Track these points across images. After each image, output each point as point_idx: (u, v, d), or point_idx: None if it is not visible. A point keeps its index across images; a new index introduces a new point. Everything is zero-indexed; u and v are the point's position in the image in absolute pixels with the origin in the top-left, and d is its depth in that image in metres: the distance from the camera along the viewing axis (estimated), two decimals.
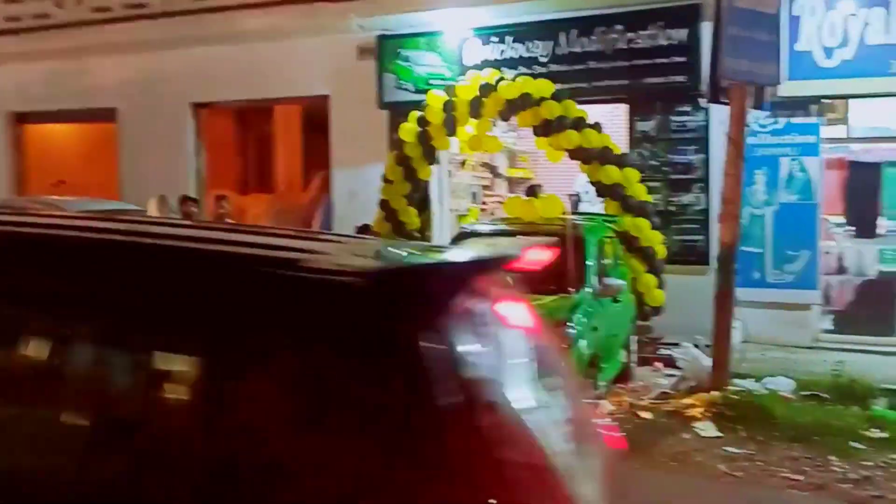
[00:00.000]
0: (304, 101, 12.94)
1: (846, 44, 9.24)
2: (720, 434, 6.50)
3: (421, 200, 11.32)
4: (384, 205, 11.00)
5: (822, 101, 9.50)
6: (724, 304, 7.20)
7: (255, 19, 11.70)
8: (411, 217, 11.04)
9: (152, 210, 6.36)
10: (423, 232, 11.38)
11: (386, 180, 10.97)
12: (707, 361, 7.51)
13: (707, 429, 6.57)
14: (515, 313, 2.18)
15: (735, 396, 7.03)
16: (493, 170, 14.37)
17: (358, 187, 12.07)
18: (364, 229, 10.92)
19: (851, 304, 10.09)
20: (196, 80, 13.10)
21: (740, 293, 9.95)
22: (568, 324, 6.06)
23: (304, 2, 11.49)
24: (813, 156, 9.62)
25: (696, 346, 8.39)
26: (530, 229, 7.53)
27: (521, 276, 2.24)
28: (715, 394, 6.94)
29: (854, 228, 10.09)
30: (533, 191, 8.45)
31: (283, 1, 11.53)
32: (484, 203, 13.58)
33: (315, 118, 13.04)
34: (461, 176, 12.50)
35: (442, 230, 11.90)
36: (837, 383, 7.63)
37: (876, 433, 6.54)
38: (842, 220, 10.22)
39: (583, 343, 6.11)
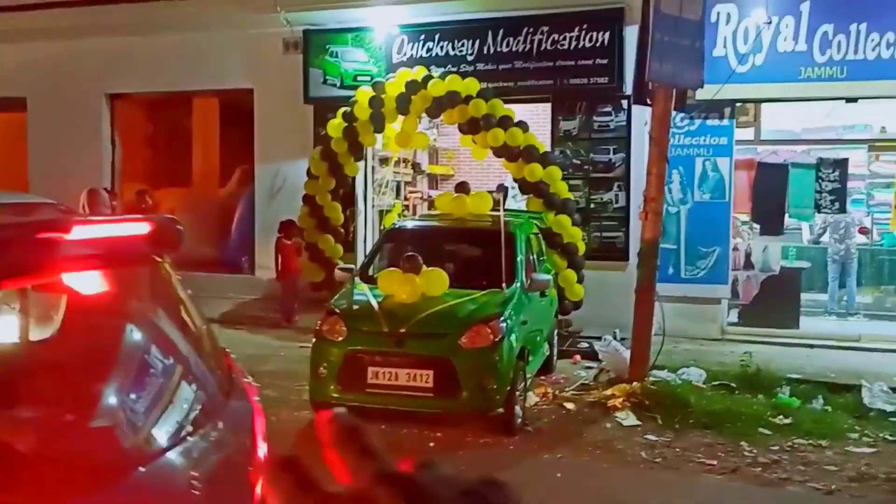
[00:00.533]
0: (227, 93, 12.75)
1: (759, 50, 9.74)
2: (639, 423, 6.78)
3: (346, 196, 11.36)
4: (309, 200, 10.99)
5: (736, 104, 9.97)
6: (644, 298, 7.50)
7: (178, 9, 11.45)
8: (336, 212, 11.06)
9: (83, 202, 6.18)
10: (348, 227, 11.43)
11: (311, 175, 10.95)
12: (626, 354, 7.81)
13: (627, 418, 6.85)
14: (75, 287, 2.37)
15: (653, 387, 7.34)
16: (415, 166, 14.51)
17: (281, 182, 12.01)
18: (288, 225, 10.88)
19: (757, 298, 10.62)
20: (112, 70, 12.75)
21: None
22: (500, 318, 6.23)
23: None
24: (725, 156, 10.11)
25: (616, 338, 8.73)
26: (460, 225, 7.71)
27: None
28: (635, 384, 7.24)
29: (760, 226, 10.61)
30: (463, 187, 8.58)
31: None
32: (406, 199, 13.69)
33: (236, 112, 12.88)
34: (384, 172, 12.57)
35: (366, 226, 11.97)
36: (745, 373, 8.05)
37: (781, 420, 6.95)
38: (749, 217, 10.74)
39: (514, 337, 6.30)
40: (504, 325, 6.20)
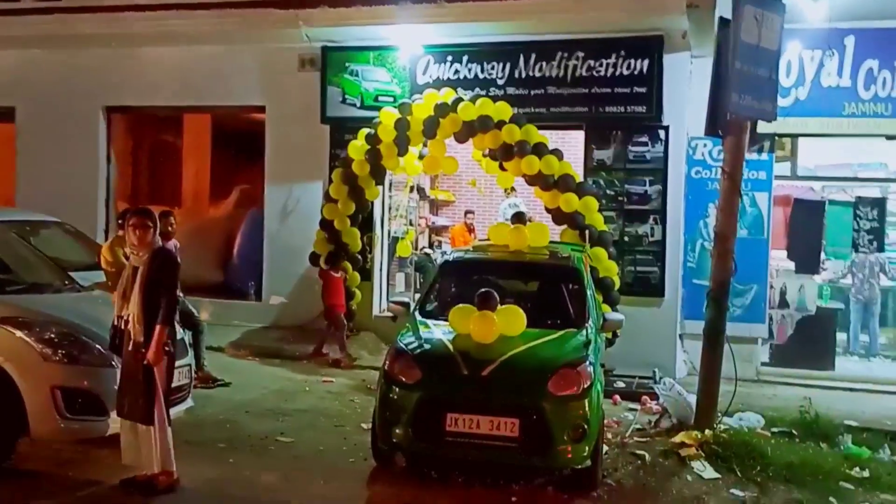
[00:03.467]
0: (237, 110, 12.11)
1: (801, 84, 9.52)
2: (718, 475, 6.31)
3: (364, 221, 10.78)
4: (326, 225, 10.40)
5: (775, 137, 9.70)
6: (714, 340, 7.08)
7: (195, 20, 10.79)
8: (354, 239, 10.49)
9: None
10: (366, 255, 10.84)
11: (329, 199, 10.38)
12: (690, 398, 7.37)
13: (705, 469, 6.38)
14: None
15: (724, 435, 6.90)
16: (420, 191, 14.02)
17: (294, 204, 11.39)
18: (334, 255, 10.12)
19: (791, 338, 10.30)
20: (111, 82, 12.07)
21: (687, 325, 10.02)
22: (587, 361, 5.71)
23: (246, 6, 10.73)
24: (764, 191, 9.82)
25: (656, 379, 8.27)
26: (521, 258, 7.20)
27: None
28: (707, 433, 6.78)
29: (796, 264, 10.29)
30: (521, 218, 8.08)
31: (222, 4, 10.71)
32: (412, 224, 13.16)
33: (245, 129, 12.25)
34: (398, 197, 12.03)
35: (382, 253, 11.39)
36: (804, 420, 7.67)
37: (858, 472, 6.55)
38: (784, 255, 10.42)
39: (599, 382, 5.79)
40: (591, 369, 5.69)
